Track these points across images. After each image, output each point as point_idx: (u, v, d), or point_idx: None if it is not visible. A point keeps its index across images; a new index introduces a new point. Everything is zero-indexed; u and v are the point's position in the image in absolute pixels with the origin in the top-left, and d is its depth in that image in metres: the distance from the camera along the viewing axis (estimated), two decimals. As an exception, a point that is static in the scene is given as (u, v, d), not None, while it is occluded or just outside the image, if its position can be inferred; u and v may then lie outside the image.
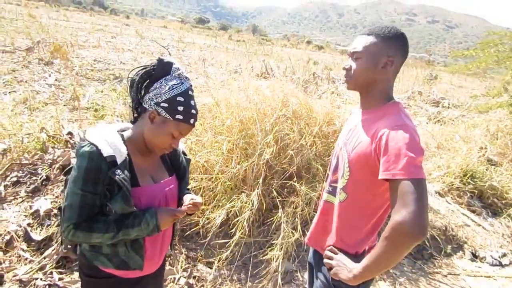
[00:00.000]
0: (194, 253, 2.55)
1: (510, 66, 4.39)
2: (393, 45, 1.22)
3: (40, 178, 2.78)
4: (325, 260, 1.29)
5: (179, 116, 1.11)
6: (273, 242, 2.54)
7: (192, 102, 1.15)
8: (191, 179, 2.54)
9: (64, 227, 1.06)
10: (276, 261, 2.32)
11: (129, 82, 1.19)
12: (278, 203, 2.54)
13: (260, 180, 2.42)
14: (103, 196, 1.07)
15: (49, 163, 2.94)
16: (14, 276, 2.09)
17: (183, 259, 2.45)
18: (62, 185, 1.32)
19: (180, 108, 1.11)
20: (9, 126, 3.36)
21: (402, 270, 2.76)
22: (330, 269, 1.26)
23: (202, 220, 2.42)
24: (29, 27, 10.93)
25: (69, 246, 1.27)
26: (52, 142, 3.27)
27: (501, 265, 2.97)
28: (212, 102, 3.32)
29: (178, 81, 1.14)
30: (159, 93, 1.11)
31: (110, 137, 1.10)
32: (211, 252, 2.57)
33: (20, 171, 2.80)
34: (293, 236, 2.41)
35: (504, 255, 3.08)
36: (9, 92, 5.00)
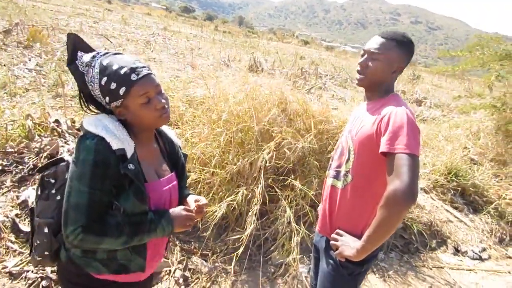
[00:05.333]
0: (188, 246, 2.54)
1: (495, 68, 4.57)
2: (406, 53, 1.33)
3: (27, 167, 2.66)
4: (332, 242, 1.36)
5: (126, 83, 0.99)
6: (269, 235, 2.57)
7: (122, 61, 1.01)
8: (190, 171, 2.51)
9: (69, 231, 0.94)
10: (278, 255, 2.34)
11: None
12: (280, 196, 2.55)
13: (261, 175, 2.42)
14: (110, 194, 0.99)
15: (36, 152, 2.82)
16: (3, 268, 2.00)
17: (177, 251, 2.43)
18: (37, 184, 1.13)
19: (121, 74, 0.99)
20: (-12, 112, 3.19)
21: (391, 263, 2.85)
22: (336, 250, 1.32)
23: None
24: (5, 8, 10.34)
25: (46, 253, 1.10)
26: (38, 130, 3.14)
27: (481, 259, 3.13)
28: (205, 94, 3.28)
29: (93, 62, 1.02)
30: (96, 87, 1.02)
31: (115, 128, 1.02)
32: (205, 245, 2.56)
33: (5, 160, 2.67)
34: (294, 231, 2.44)
35: (484, 249, 3.24)
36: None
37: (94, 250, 1.04)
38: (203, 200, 1.23)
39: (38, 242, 1.11)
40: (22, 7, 11.20)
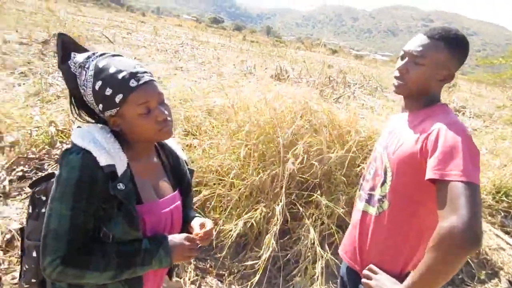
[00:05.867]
0: (203, 264, 2.38)
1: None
2: (458, 57, 1.07)
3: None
4: (364, 280, 1.11)
5: (124, 90, 0.86)
6: (291, 257, 2.35)
7: (120, 65, 0.88)
8: (204, 186, 2.37)
9: (46, 262, 0.80)
10: (301, 281, 2.12)
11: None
12: (304, 214, 2.34)
13: (283, 191, 2.23)
14: (97, 218, 0.85)
15: (55, 159, 2.82)
16: (12, 279, 1.95)
17: (191, 270, 2.28)
18: (28, 201, 1.02)
19: (118, 79, 0.86)
20: (19, 118, 3.26)
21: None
22: None
23: (214, 232, 2.24)
24: (48, 21, 11.00)
25: (33, 280, 0.98)
26: (61, 136, 3.15)
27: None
28: (226, 103, 3.15)
29: (87, 63, 0.90)
30: (89, 92, 0.89)
31: (105, 141, 0.88)
32: (221, 264, 2.39)
33: (26, 166, 2.68)
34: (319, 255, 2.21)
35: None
36: (23, 84, 4.94)
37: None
38: (209, 224, 1.05)
39: (27, 266, 1.00)
40: (63, 20, 11.88)
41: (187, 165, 1.18)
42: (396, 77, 1.14)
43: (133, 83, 0.87)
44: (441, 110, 1.09)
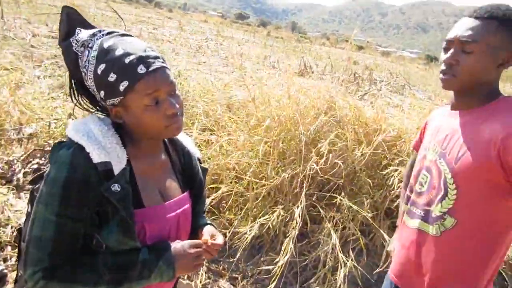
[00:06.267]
0: (217, 266, 2.28)
1: None
2: None
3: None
4: None
5: (131, 76, 0.74)
6: (309, 262, 2.20)
7: (129, 47, 0.76)
8: (220, 183, 2.26)
9: (27, 274, 0.71)
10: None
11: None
12: (324, 216, 2.18)
13: (303, 192, 2.08)
14: (90, 224, 0.74)
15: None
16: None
17: (203, 272, 2.18)
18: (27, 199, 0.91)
19: (125, 64, 0.74)
20: (40, 110, 3.28)
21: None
22: None
23: (228, 233, 2.13)
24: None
25: None
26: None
27: None
28: (247, 97, 3.02)
29: (91, 42, 0.78)
30: (90, 76, 0.78)
31: (102, 134, 0.77)
32: (235, 266, 2.28)
33: (43, 158, 2.68)
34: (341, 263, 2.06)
35: None
36: (48, 77, 5.05)
37: None
38: (220, 238, 0.93)
39: (22, 273, 0.91)
40: (92, 15, 12.20)
41: (200, 163, 1.05)
42: (442, 72, 0.97)
43: (141, 69, 0.75)
44: (508, 105, 0.91)
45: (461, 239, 0.95)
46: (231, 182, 2.31)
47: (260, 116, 2.56)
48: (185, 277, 2.01)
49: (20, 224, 2.13)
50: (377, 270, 2.11)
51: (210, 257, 0.90)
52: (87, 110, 0.90)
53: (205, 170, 1.06)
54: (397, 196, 2.34)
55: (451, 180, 0.94)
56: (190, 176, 1.00)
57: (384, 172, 2.50)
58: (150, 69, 0.76)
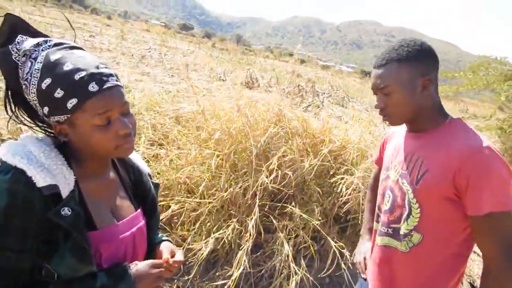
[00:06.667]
0: (170, 285, 2.17)
1: (502, 88, 4.41)
2: (422, 62, 1.01)
3: None
4: None
5: (81, 94, 0.69)
6: (264, 272, 2.22)
7: (79, 62, 0.71)
8: (171, 199, 2.18)
9: None
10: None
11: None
12: (277, 227, 2.22)
13: (256, 204, 2.10)
14: (37, 254, 0.68)
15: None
16: None
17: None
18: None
19: (75, 80, 0.69)
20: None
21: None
22: None
23: (182, 250, 2.05)
24: (-1, 20, 10.17)
25: None
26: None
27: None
28: (196, 109, 2.99)
29: (35, 53, 0.72)
30: (32, 90, 0.71)
31: (44, 155, 0.71)
32: (190, 284, 2.20)
33: None
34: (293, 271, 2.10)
35: None
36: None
37: None
38: (179, 254, 0.91)
39: None
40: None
41: (151, 179, 1.02)
42: (380, 114, 1.09)
43: (93, 87, 0.70)
44: (460, 127, 1.01)
45: (428, 253, 1.02)
46: (182, 198, 2.25)
47: (210, 129, 2.54)
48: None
49: None
50: (328, 273, 2.21)
51: (170, 274, 0.87)
52: (24, 124, 0.82)
53: (157, 186, 1.04)
54: (345, 203, 2.49)
55: (414, 200, 1.01)
56: (142, 193, 0.97)
57: (332, 180, 2.65)
58: (104, 87, 0.72)
